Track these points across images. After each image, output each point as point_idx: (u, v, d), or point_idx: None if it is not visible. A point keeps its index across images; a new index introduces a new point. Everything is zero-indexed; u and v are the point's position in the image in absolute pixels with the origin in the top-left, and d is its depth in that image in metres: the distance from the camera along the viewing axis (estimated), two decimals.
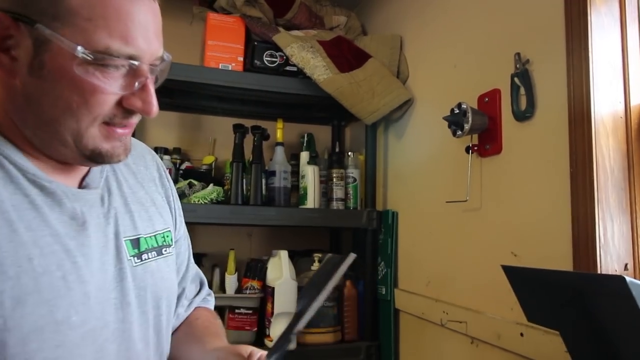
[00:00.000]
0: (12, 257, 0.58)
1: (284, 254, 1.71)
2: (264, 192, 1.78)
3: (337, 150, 1.93)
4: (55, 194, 0.65)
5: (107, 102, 0.62)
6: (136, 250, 0.74)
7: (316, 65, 1.66)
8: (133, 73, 0.62)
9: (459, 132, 1.26)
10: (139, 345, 0.72)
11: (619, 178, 0.95)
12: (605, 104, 0.97)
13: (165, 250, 0.79)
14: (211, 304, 0.99)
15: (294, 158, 1.93)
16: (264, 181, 1.78)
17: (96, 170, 0.72)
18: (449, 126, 1.29)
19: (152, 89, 0.64)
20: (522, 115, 1.14)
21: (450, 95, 1.42)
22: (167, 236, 0.80)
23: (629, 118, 0.97)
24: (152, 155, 0.89)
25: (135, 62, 0.61)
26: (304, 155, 1.86)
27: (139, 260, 0.74)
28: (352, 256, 0.77)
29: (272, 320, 1.63)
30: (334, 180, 1.83)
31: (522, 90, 1.14)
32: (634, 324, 0.63)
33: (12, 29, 0.58)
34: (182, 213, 0.90)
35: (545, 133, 1.09)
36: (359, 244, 1.98)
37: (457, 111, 1.26)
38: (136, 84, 0.62)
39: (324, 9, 2.00)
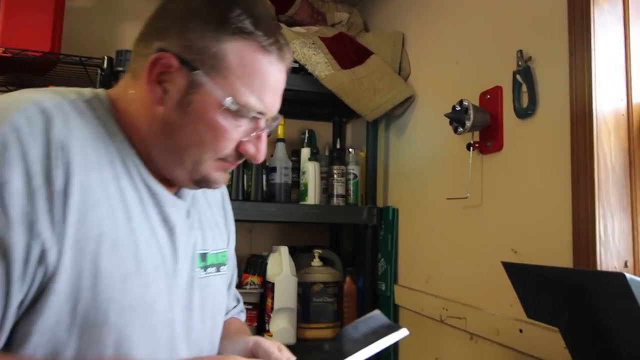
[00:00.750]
0: (125, 240, 0.67)
1: (284, 250, 1.71)
2: (264, 188, 1.78)
3: (338, 146, 1.93)
4: (158, 196, 0.74)
5: (230, 145, 0.72)
6: (203, 264, 0.81)
7: (318, 62, 1.66)
8: (254, 124, 0.73)
9: (460, 129, 1.26)
10: (193, 350, 0.78)
11: (620, 176, 0.95)
12: (607, 102, 0.97)
13: (222, 269, 0.86)
14: (243, 318, 1.06)
15: (294, 154, 1.93)
16: (264, 177, 1.78)
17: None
18: (451, 123, 1.29)
19: (265, 140, 0.76)
20: (524, 113, 1.14)
21: (452, 92, 1.42)
22: (224, 256, 0.88)
23: (631, 116, 0.98)
24: None
25: (261, 117, 0.72)
26: (305, 152, 1.86)
27: (205, 273, 0.81)
28: (404, 332, 0.80)
29: (272, 315, 1.63)
30: (335, 176, 1.83)
31: (524, 88, 1.14)
32: (633, 320, 0.63)
33: (173, 68, 0.68)
34: (234, 237, 0.98)
35: (546, 130, 1.09)
36: (359, 240, 1.99)
37: (459, 108, 1.26)
38: (253, 133, 0.73)
39: (326, 6, 2.00)
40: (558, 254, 1.01)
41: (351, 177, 1.85)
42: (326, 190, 1.85)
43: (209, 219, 0.86)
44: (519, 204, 1.15)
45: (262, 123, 0.74)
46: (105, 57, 1.60)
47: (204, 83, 0.68)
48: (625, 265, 0.94)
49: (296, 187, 1.87)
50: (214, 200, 0.91)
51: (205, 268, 0.81)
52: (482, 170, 1.28)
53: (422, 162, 1.60)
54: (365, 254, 1.78)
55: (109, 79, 1.62)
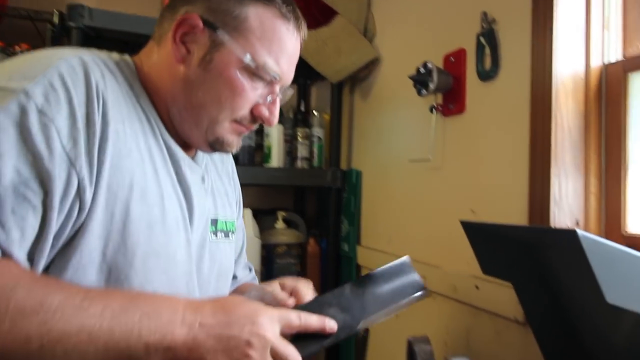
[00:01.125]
0: (153, 190, 0.70)
1: (247, 213, 1.71)
2: None
3: (302, 109, 1.91)
4: (176, 156, 0.76)
5: (246, 105, 0.75)
6: (214, 228, 0.84)
7: None
8: (269, 89, 0.76)
9: (424, 92, 1.26)
10: None
11: (576, 138, 0.98)
12: (567, 65, 0.99)
13: (231, 236, 0.89)
14: (256, 283, 1.07)
15: None
16: None
17: (200, 154, 0.84)
18: (414, 85, 1.29)
19: (278, 105, 0.79)
20: (486, 75, 1.15)
21: (416, 54, 1.41)
22: (233, 225, 0.90)
23: (589, 79, 1.00)
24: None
25: (276, 81, 0.75)
26: None
27: (215, 237, 0.84)
28: (425, 293, 0.78)
29: None
30: (299, 139, 1.82)
31: (487, 50, 1.15)
32: (582, 276, 0.66)
33: (198, 28, 0.72)
34: (242, 207, 1.01)
35: (508, 93, 1.10)
36: (323, 202, 2.00)
37: (423, 70, 1.26)
38: (269, 97, 0.77)
39: None
40: (514, 214, 1.05)
41: (315, 139, 1.85)
42: (290, 153, 1.84)
43: (219, 188, 0.89)
44: (479, 165, 1.17)
45: (277, 88, 0.77)
46: (56, 12, 1.51)
47: (225, 42, 0.72)
48: (577, 224, 0.98)
49: (260, 150, 1.84)
50: (224, 171, 0.95)
51: (215, 233, 0.84)
52: (445, 132, 1.30)
53: (386, 124, 1.60)
54: (328, 216, 1.80)
55: (60, 35, 1.54)
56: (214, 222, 0.84)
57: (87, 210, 0.64)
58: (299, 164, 1.81)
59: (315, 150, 1.84)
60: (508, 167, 1.08)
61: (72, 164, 0.62)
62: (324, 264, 1.83)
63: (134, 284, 0.67)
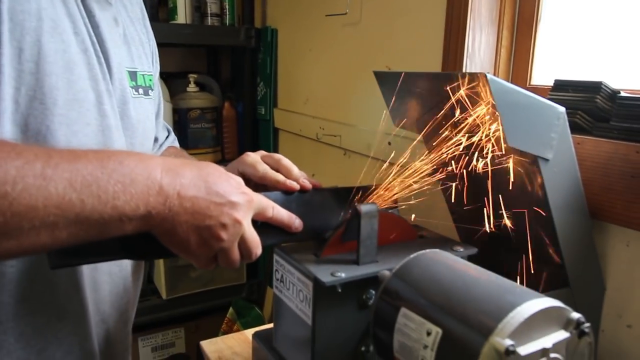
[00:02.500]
0: (64, 24, 0.59)
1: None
2: None
3: None
4: None
5: None
6: (134, 83, 0.73)
7: None
8: None
9: None
10: None
11: None
12: None
13: (150, 93, 0.78)
14: (177, 145, 1.00)
15: None
16: None
17: None
18: None
19: None
20: None
21: None
22: (151, 80, 0.79)
23: None
24: None
25: None
26: None
27: (137, 94, 0.73)
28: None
29: None
30: None
31: None
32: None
33: None
34: (158, 61, 0.88)
35: None
36: (237, 64, 1.90)
37: None
38: None
39: None
40: (428, 68, 1.04)
41: None
42: (198, 8, 1.69)
43: (132, 35, 0.76)
44: (397, 19, 1.13)
45: None
46: None
47: None
48: None
49: (164, 5, 1.67)
50: (135, 16, 0.80)
51: (136, 88, 0.74)
52: None
53: None
54: (244, 79, 1.72)
55: None
56: (133, 75, 0.73)
57: None
58: (209, 21, 1.67)
59: (227, 5, 1.69)
60: (425, 20, 1.05)
61: None
62: (241, 128, 1.79)
63: (56, 138, 0.58)
